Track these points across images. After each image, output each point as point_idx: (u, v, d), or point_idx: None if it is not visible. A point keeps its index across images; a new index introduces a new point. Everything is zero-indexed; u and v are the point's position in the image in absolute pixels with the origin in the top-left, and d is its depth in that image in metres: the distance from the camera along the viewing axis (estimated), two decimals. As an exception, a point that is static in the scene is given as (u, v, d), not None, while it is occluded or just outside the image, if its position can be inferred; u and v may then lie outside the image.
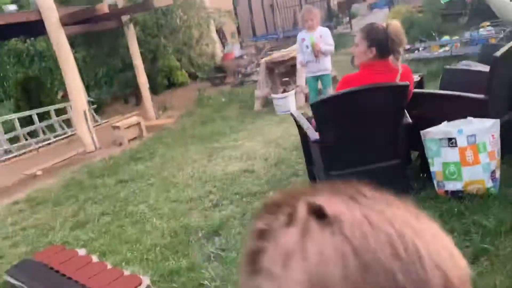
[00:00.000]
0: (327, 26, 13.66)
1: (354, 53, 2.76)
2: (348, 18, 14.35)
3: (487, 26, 7.56)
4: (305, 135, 3.23)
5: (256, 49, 10.73)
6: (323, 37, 4.74)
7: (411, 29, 10.15)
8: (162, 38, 7.64)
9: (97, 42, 7.89)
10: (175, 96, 9.31)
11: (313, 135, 2.76)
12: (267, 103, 6.74)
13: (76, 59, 8.61)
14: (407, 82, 2.58)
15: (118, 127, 5.93)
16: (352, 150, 2.75)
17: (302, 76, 6.47)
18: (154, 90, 8.51)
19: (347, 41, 12.58)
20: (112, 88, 11.30)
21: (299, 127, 3.23)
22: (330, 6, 13.94)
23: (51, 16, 5.41)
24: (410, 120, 2.70)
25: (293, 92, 6.24)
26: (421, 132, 2.77)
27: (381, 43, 2.59)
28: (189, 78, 10.71)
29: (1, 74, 12.79)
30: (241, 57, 9.56)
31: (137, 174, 4.61)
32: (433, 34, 8.61)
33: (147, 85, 7.11)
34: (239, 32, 11.62)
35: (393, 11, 11.73)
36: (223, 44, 10.34)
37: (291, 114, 3.30)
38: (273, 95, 6.26)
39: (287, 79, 6.57)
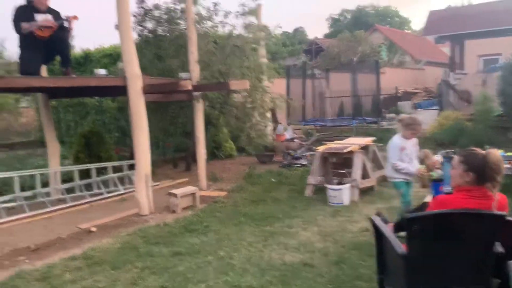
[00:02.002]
0: (373, 122, 13.92)
1: (451, 174, 2.84)
2: (393, 114, 14.70)
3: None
4: (381, 243, 3.24)
5: (305, 133, 11.06)
6: (415, 146, 4.84)
7: (460, 137, 10.30)
8: (224, 114, 8.01)
9: (164, 108, 8.35)
10: (224, 168, 9.53)
11: (400, 248, 2.76)
12: (318, 190, 6.82)
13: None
14: (505, 213, 2.61)
15: (175, 195, 6.06)
16: (438, 270, 2.73)
17: (358, 170, 6.59)
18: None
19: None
20: (160, 150, 11.69)
21: (377, 231, 3.25)
22: (379, 101, 14.36)
23: (136, 84, 5.83)
24: (502, 250, 2.69)
25: (348, 185, 6.31)
26: (510, 262, 2.73)
27: (479, 170, 2.67)
28: (236, 151, 11.04)
29: (58, 121, 13.55)
30: (291, 140, 9.83)
31: (193, 249, 4.63)
32: (487, 147, 8.65)
33: (205, 156, 7.33)
34: (288, 114, 12.05)
35: (443, 115, 11.96)
36: (275, 125, 10.71)
37: (371, 220, 3.32)
38: (328, 186, 6.33)
39: (343, 171, 6.67)
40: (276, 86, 11.83)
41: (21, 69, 5.60)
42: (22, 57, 5.71)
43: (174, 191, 6.22)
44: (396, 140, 4.72)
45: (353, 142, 7.41)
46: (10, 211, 6.26)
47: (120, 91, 6.04)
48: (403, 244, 2.78)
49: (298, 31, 42.53)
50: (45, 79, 5.50)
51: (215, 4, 7.70)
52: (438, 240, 2.68)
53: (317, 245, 4.59)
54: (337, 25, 43.13)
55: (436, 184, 5.19)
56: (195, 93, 7.01)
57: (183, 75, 7.05)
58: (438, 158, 6.08)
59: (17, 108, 17.67)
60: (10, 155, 12.57)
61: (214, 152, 10.44)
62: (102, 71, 6.14)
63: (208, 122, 8.55)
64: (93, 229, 5.51)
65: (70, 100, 13.14)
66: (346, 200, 6.21)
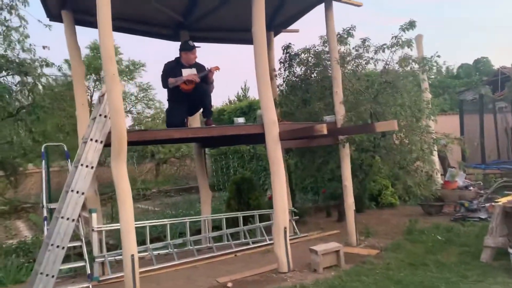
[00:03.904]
0: None
1: None
2: None
3: None
4: None
5: (484, 180, 9.19)
6: None
7: None
8: (377, 158, 7.14)
9: (310, 154, 7.95)
10: (380, 219, 8.47)
11: None
12: (500, 255, 5.31)
13: (288, 165, 8.93)
14: None
15: (315, 252, 5.44)
16: None
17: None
18: (358, 208, 7.92)
19: None
20: (316, 196, 11.21)
21: None
22: None
23: (272, 130, 5.58)
24: None
25: (543, 252, 4.72)
26: None
27: None
28: (399, 199, 9.80)
29: (224, 169, 14.44)
30: (466, 187, 8.20)
31: (326, 323, 3.90)
32: None
33: (353, 207, 6.55)
34: (463, 156, 10.24)
35: None
36: (444, 170, 9.20)
37: None
38: (512, 251, 4.84)
39: (534, 232, 5.07)
40: (448, 124, 10.32)
41: (167, 121, 5.93)
42: (168, 110, 6.07)
43: (315, 247, 5.59)
44: None
45: (550, 193, 5.66)
46: (162, 257, 6.52)
47: (260, 138, 5.85)
48: None
49: (480, 61, 37.92)
50: (185, 130, 5.67)
51: (364, 41, 7.06)
52: None
53: None
54: (530, 50, 37.05)
55: None
56: (341, 137, 6.40)
57: (327, 118, 6.56)
58: None
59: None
60: (184, 199, 13.75)
61: (372, 204, 9.51)
62: (241, 120, 6.10)
63: (362, 171, 7.74)
64: (230, 284, 5.25)
65: (230, 148, 13.87)
66: (541, 272, 4.63)
